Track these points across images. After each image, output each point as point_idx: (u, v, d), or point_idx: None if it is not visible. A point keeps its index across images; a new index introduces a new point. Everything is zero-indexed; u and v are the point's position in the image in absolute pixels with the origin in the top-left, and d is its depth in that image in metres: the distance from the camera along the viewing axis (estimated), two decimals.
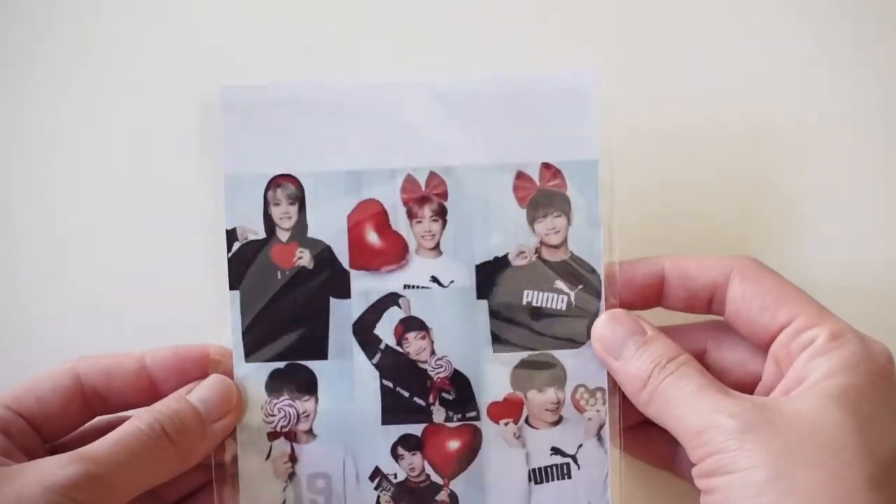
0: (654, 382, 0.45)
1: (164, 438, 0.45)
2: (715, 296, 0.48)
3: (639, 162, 0.52)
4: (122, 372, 0.48)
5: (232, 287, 0.49)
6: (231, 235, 0.49)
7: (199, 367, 0.48)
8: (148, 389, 0.48)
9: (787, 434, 0.41)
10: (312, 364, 0.49)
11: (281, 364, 0.49)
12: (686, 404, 0.44)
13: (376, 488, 0.49)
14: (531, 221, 0.49)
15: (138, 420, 0.45)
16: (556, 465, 0.49)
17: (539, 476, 0.49)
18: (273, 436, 0.49)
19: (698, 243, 0.54)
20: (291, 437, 0.49)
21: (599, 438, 0.49)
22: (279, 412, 0.49)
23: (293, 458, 0.49)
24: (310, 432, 0.49)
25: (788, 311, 0.46)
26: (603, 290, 0.49)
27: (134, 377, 0.48)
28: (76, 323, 0.54)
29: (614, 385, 0.49)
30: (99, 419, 0.49)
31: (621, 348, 0.47)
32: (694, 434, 0.43)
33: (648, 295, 0.49)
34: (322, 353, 0.49)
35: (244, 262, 0.49)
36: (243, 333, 0.49)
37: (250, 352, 0.49)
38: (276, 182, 0.49)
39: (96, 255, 0.55)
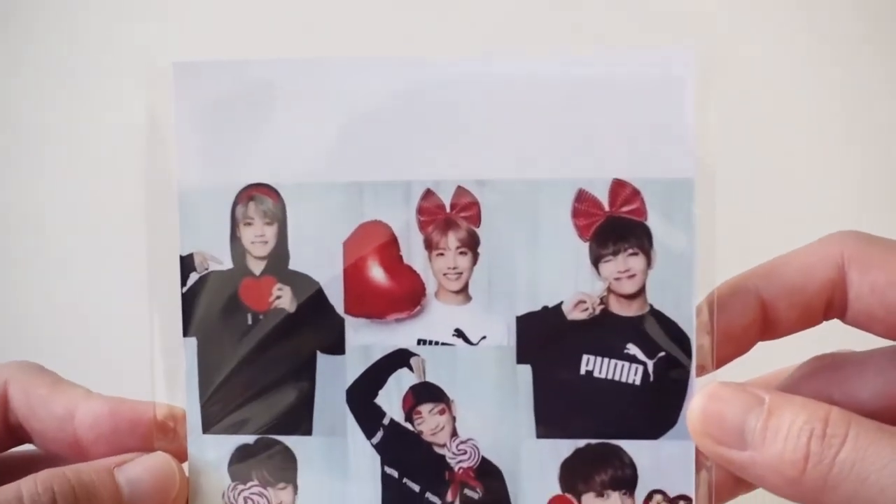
0: (824, 461, 0.32)
1: None
2: (833, 299, 0.37)
3: (748, 182, 0.37)
4: (47, 415, 0.38)
5: (186, 333, 0.36)
6: (186, 264, 0.36)
7: (139, 433, 0.37)
8: (71, 446, 0.37)
9: None
10: (291, 441, 0.37)
11: (250, 439, 0.37)
12: None
13: None
14: (596, 260, 0.35)
15: (25, 484, 0.34)
16: None
17: None
18: None
19: None
20: None
21: None
22: (245, 503, 0.37)
23: None
24: None
25: None
26: (694, 355, 0.35)
27: (57, 425, 0.37)
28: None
29: (706, 492, 0.35)
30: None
31: (742, 432, 0.33)
32: None
33: (751, 335, 0.37)
34: (305, 427, 0.36)
35: (203, 300, 0.37)
36: (201, 396, 0.36)
37: (210, 421, 0.37)
38: (247, 194, 0.36)
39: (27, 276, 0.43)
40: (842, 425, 0.32)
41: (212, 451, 0.37)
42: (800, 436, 0.32)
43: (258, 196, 0.36)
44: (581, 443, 0.36)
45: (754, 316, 0.36)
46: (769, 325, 0.37)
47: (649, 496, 0.36)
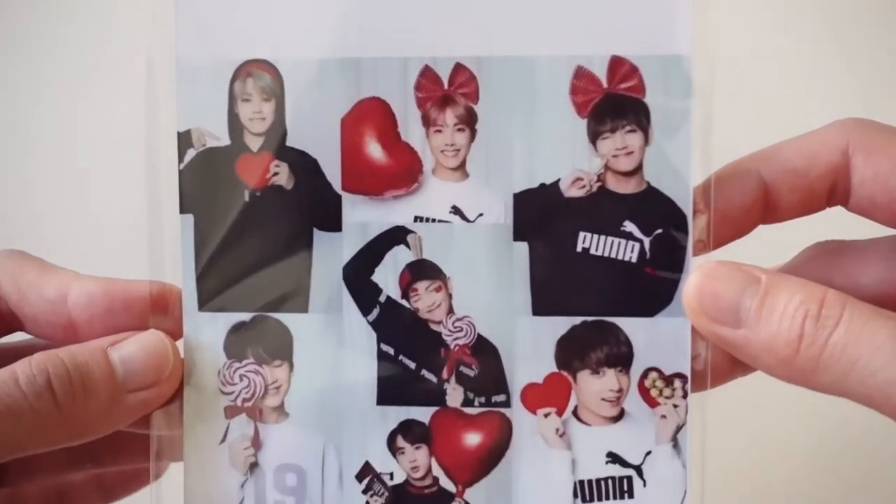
0: (817, 342, 0.32)
1: (47, 398, 0.34)
2: (836, 185, 0.36)
3: (747, 60, 0.37)
4: (39, 299, 0.37)
5: (183, 210, 0.36)
6: (184, 141, 0.36)
7: (134, 312, 0.37)
8: (65, 328, 0.37)
9: None
10: (288, 318, 0.36)
11: (246, 316, 0.37)
12: (890, 365, 0.31)
13: (365, 491, 0.37)
14: (594, 137, 0.35)
15: (21, 367, 0.34)
16: (613, 479, 0.36)
17: (588, 492, 0.36)
18: (231, 411, 0.37)
19: None
20: (256, 414, 0.37)
21: (676, 445, 0.36)
22: (241, 380, 0.37)
23: (256, 444, 0.37)
24: (280, 409, 0.37)
25: None
26: (691, 234, 0.35)
27: (49, 308, 0.37)
28: None
29: (702, 372, 0.35)
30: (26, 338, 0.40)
31: (737, 311, 0.33)
32: None
33: (751, 217, 0.37)
34: (301, 305, 0.36)
35: (200, 176, 0.36)
36: (197, 273, 0.36)
37: (206, 298, 0.37)
38: (245, 70, 0.36)
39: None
40: (837, 307, 0.32)
41: (207, 329, 0.37)
42: (794, 316, 0.32)
43: (256, 72, 0.36)
44: (577, 320, 0.36)
45: (755, 197, 0.36)
46: (770, 209, 0.37)
47: (645, 374, 0.36)
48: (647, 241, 0.35)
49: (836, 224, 0.38)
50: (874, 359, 0.31)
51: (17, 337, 0.39)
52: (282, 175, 0.36)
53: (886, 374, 0.31)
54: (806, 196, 0.37)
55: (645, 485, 0.36)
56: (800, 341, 0.32)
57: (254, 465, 0.37)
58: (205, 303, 0.37)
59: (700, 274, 0.34)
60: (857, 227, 0.37)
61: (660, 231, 0.35)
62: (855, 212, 0.37)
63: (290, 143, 0.36)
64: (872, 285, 0.37)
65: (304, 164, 0.36)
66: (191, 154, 0.36)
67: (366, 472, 0.37)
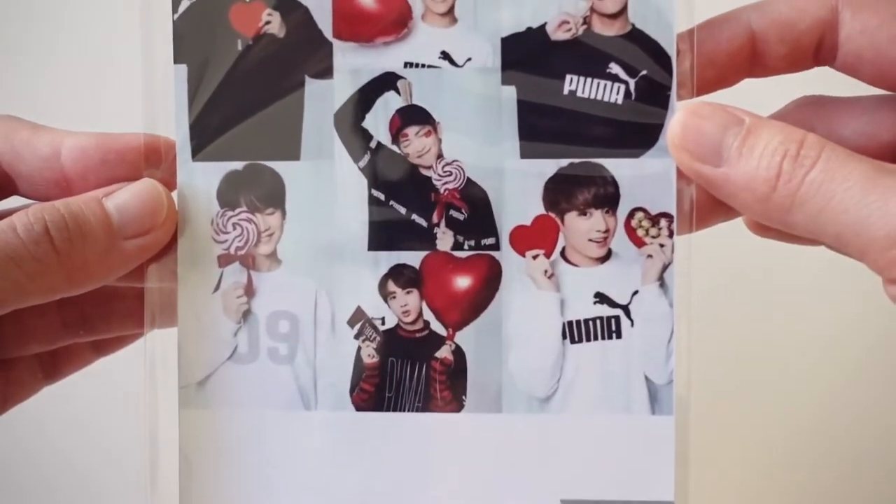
0: (794, 180, 0.33)
1: (46, 244, 0.34)
2: (824, 40, 0.37)
3: None
4: (32, 156, 0.38)
5: (177, 60, 0.37)
6: None
7: (128, 163, 0.38)
8: (59, 184, 0.38)
9: None
10: (280, 166, 0.37)
11: (238, 165, 0.37)
12: (861, 203, 0.32)
13: (357, 336, 0.37)
14: None
15: (18, 217, 0.35)
16: (601, 319, 0.36)
17: (577, 332, 0.36)
18: (225, 260, 0.37)
19: None
20: (249, 262, 0.37)
21: (662, 284, 0.36)
22: (234, 229, 0.37)
23: (250, 291, 0.37)
24: (273, 257, 0.37)
25: None
26: (675, 75, 0.35)
27: (43, 164, 0.38)
28: None
29: (688, 212, 0.36)
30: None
31: (719, 149, 0.34)
32: (887, 241, 0.31)
33: (737, 65, 0.37)
34: (293, 152, 0.37)
35: (194, 26, 0.37)
36: (190, 122, 0.37)
37: (199, 147, 0.37)
38: None
39: None
40: (815, 148, 0.33)
41: (201, 178, 0.37)
42: (774, 155, 0.33)
43: None
44: (564, 162, 0.36)
45: (742, 44, 0.37)
46: (758, 59, 0.37)
47: (631, 214, 0.36)
48: (632, 83, 0.36)
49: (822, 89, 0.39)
50: (846, 197, 0.32)
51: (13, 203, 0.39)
52: (274, 23, 0.37)
53: (857, 211, 0.32)
54: (793, 49, 0.37)
55: (632, 324, 0.36)
56: (777, 179, 0.33)
57: (247, 313, 0.37)
58: (198, 152, 0.37)
59: (685, 111, 0.35)
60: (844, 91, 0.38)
61: (644, 72, 0.36)
62: (841, 70, 0.38)
63: None
64: (853, 137, 0.37)
65: (295, 12, 0.37)
66: (185, 4, 0.37)
67: (357, 317, 0.37)
